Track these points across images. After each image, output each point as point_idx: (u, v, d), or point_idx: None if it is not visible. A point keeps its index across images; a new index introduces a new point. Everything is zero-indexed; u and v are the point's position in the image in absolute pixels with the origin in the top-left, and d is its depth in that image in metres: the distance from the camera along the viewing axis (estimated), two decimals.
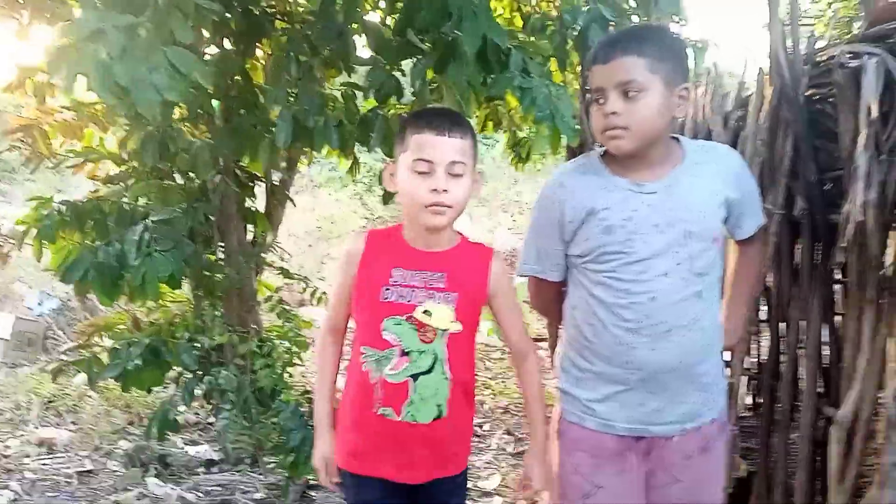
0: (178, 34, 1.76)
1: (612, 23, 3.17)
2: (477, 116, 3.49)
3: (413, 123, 1.43)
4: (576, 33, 3.25)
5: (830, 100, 1.88)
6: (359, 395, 1.47)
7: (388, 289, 1.43)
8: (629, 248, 1.41)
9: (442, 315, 1.43)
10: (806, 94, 1.90)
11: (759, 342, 2.61)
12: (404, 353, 1.43)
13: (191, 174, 2.90)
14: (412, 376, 1.43)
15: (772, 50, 1.87)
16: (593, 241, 1.44)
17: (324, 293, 3.27)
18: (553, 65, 3.16)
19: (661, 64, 1.36)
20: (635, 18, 2.94)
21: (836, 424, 1.83)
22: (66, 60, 1.58)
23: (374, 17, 2.75)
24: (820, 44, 1.93)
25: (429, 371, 1.44)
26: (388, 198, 2.39)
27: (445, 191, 1.37)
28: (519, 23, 3.79)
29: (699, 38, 3.66)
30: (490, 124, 3.53)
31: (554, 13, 3.49)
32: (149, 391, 3.02)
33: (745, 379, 2.41)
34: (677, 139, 1.48)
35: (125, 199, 2.87)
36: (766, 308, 2.25)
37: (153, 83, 1.62)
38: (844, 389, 1.85)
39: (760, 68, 1.98)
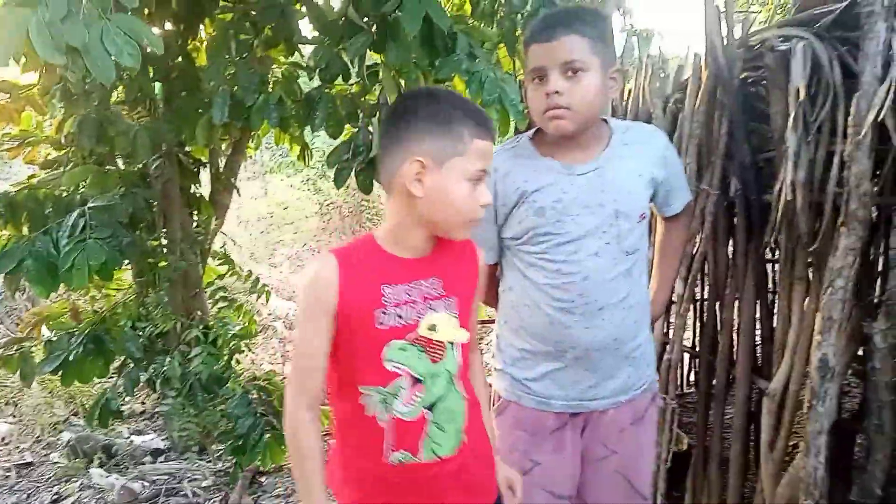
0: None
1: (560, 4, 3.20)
2: None
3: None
4: (523, 19, 3.29)
5: (763, 83, 1.93)
6: (363, 447, 1.22)
7: (383, 311, 1.18)
8: (561, 230, 1.44)
9: (447, 325, 1.23)
10: (740, 77, 1.94)
11: (700, 320, 2.69)
12: (416, 381, 1.20)
13: (129, 159, 2.83)
14: (428, 407, 1.21)
15: (707, 35, 1.91)
16: (526, 223, 1.46)
17: (265, 285, 3.23)
18: (502, 51, 3.18)
19: (599, 45, 1.39)
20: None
21: (768, 397, 1.89)
22: (3, 28, 1.51)
23: None
24: (754, 28, 1.96)
25: (445, 395, 1.23)
26: (340, 181, 2.37)
27: None
28: (468, 8, 3.80)
29: (644, 27, 3.73)
30: None
31: None
32: (91, 380, 2.95)
33: (686, 356, 2.47)
34: (605, 120, 1.51)
35: (62, 186, 2.79)
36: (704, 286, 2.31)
37: (106, 47, 1.55)
38: (776, 364, 1.92)
39: (696, 53, 2.02)
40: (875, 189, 1.61)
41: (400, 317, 1.19)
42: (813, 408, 1.64)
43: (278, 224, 8.73)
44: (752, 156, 1.92)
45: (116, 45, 1.57)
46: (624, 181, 1.45)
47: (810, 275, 1.84)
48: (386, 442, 1.20)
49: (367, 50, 2.09)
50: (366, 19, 2.14)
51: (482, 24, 3.51)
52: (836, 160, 1.64)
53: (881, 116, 1.48)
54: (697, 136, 2.03)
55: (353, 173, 2.30)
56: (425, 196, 1.16)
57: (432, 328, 1.21)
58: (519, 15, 3.28)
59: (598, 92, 1.39)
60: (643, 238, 1.51)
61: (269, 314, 5.23)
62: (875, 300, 1.63)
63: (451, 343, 1.23)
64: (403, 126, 1.17)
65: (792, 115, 1.68)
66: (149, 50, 1.70)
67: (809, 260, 1.81)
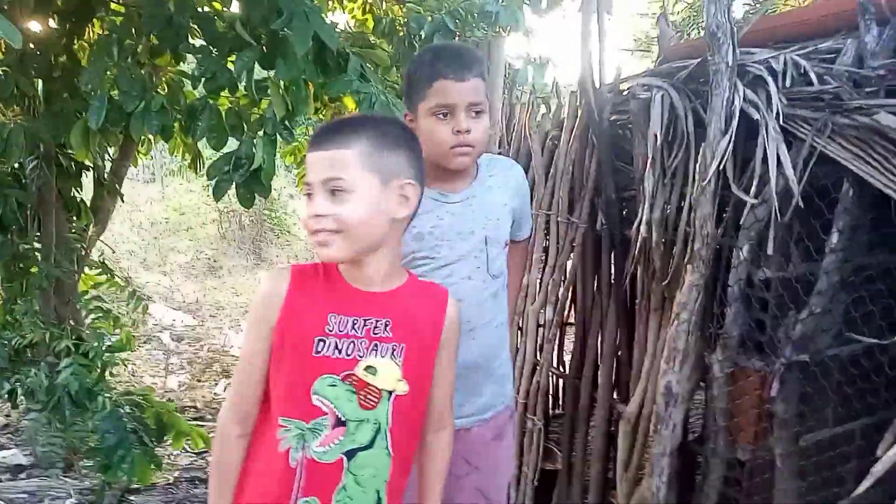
0: None
1: (458, 33, 3.31)
2: (322, 116, 3.50)
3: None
4: (420, 40, 3.38)
5: (630, 126, 2.06)
6: (271, 486, 1.14)
7: (322, 340, 1.12)
8: (437, 254, 1.51)
9: (388, 372, 1.15)
10: (610, 119, 2.08)
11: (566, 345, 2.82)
12: (339, 423, 1.13)
13: (2, 159, 2.69)
14: (346, 453, 1.14)
15: (581, 77, 2.03)
16: (405, 248, 1.52)
17: (141, 297, 3.14)
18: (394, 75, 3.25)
19: (487, 88, 1.50)
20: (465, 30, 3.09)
21: (624, 419, 2.02)
22: None
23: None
24: (625, 73, 2.10)
25: (368, 446, 1.15)
26: (219, 193, 2.34)
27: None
28: (370, 24, 3.86)
29: (539, 55, 3.89)
30: None
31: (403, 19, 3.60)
32: None
33: (554, 379, 2.58)
34: None
35: None
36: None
37: None
38: (633, 389, 2.05)
39: (572, 92, 2.14)
40: (719, 230, 1.76)
41: (338, 350, 1.13)
42: (658, 431, 1.76)
43: (174, 230, 8.45)
44: (618, 193, 2.06)
45: None
46: (491, 210, 1.55)
47: (665, 306, 1.97)
48: (296, 484, 1.12)
49: (255, 64, 2.10)
50: (256, 32, 2.15)
51: (381, 42, 3.59)
52: (686, 203, 1.78)
53: (722, 165, 1.63)
54: (570, 171, 2.14)
55: (233, 186, 2.28)
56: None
57: (370, 370, 1.14)
58: (415, 36, 3.38)
59: (488, 131, 1.50)
60: (505, 263, 1.60)
61: (156, 324, 5.05)
62: (714, 333, 1.77)
63: (389, 392, 1.15)
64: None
65: (649, 159, 1.82)
66: (17, 46, 1.64)
67: (664, 293, 1.95)
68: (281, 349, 1.14)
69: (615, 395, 2.19)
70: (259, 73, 2.34)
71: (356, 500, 1.14)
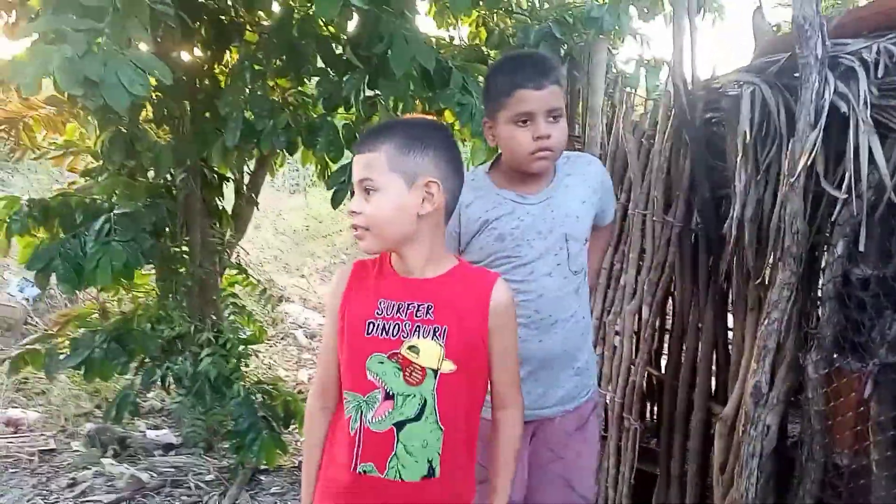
0: (135, 38, 1.94)
1: (563, 41, 3.37)
2: None
3: None
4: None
5: (724, 123, 2.04)
6: (338, 452, 1.30)
7: (372, 322, 1.26)
8: (518, 253, 1.60)
9: (430, 352, 1.25)
10: (705, 116, 2.06)
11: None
12: (388, 397, 1.25)
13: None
14: (396, 424, 1.25)
15: (672, 76, 2.04)
16: (487, 249, 1.62)
17: (272, 295, 3.42)
18: None
19: (564, 93, 1.58)
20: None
21: (720, 421, 1.99)
22: (32, 62, 1.74)
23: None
24: (720, 71, 2.08)
25: (416, 419, 1.25)
26: (336, 202, 2.56)
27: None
28: (483, 35, 4.01)
29: (653, 58, 3.85)
30: None
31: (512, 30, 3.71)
32: (113, 378, 3.18)
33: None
34: None
35: (95, 194, 3.05)
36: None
37: (120, 79, 1.78)
38: (731, 390, 2.01)
39: (666, 91, 2.15)
40: (814, 228, 1.71)
41: (385, 331, 1.25)
42: (746, 432, 1.74)
43: (313, 236, 9.00)
44: (713, 191, 2.04)
45: (129, 77, 1.79)
46: (570, 208, 1.61)
47: (761, 306, 1.93)
48: (355, 451, 1.26)
49: (362, 84, 2.29)
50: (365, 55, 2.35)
51: (495, 54, 3.71)
52: (778, 200, 1.75)
53: (811, 160, 1.59)
54: (664, 171, 2.15)
55: (349, 195, 2.48)
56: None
57: (413, 350, 1.25)
58: (524, 47, 3.46)
59: (566, 133, 1.58)
60: (585, 258, 1.66)
61: (292, 322, 5.45)
62: (808, 332, 1.72)
63: (435, 371, 1.25)
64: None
65: (740, 156, 1.80)
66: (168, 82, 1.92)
67: (759, 293, 1.91)
68: (342, 331, 1.30)
69: (713, 397, 2.16)
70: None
71: (408, 468, 1.25)
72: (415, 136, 1.26)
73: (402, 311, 1.27)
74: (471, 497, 1.36)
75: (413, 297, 1.28)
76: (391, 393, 1.25)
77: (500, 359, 1.33)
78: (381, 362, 1.26)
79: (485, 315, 1.29)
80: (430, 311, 1.26)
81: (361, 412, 1.27)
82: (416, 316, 1.26)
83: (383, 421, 1.25)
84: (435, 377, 1.25)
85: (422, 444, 1.25)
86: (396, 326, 1.26)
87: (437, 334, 1.26)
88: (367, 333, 1.26)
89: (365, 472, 1.26)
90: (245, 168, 3.77)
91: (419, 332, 1.26)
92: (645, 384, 2.34)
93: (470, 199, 1.63)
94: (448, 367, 1.25)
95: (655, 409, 2.60)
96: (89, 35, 1.77)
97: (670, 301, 2.35)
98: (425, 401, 1.25)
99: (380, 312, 1.27)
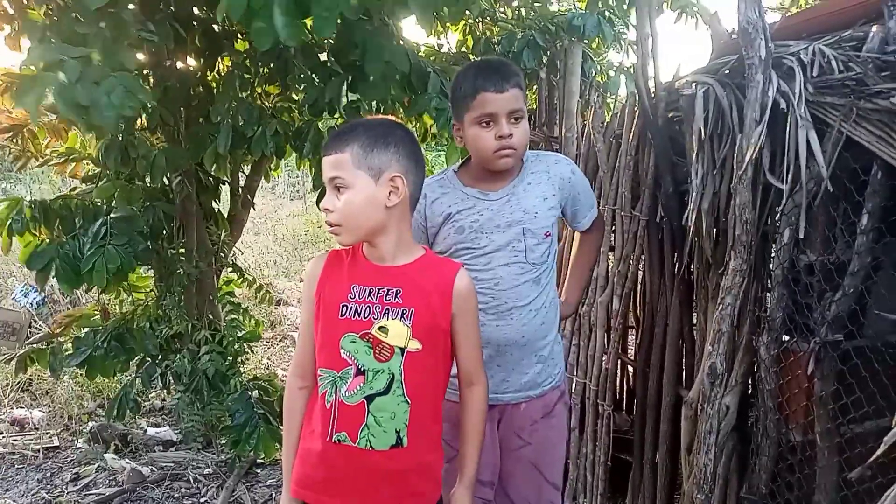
0: (126, 62, 2.08)
1: (545, 49, 3.50)
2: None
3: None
4: (513, 56, 3.59)
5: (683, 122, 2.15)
6: (317, 423, 1.42)
7: (345, 305, 1.39)
8: (477, 245, 1.71)
9: (398, 332, 1.37)
10: (668, 115, 2.17)
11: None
12: (359, 372, 1.38)
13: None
14: (367, 398, 1.37)
15: (634, 77, 2.15)
16: (450, 240, 1.74)
17: (267, 292, 3.54)
18: None
19: (524, 96, 1.70)
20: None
21: (686, 404, 2.09)
22: (32, 90, 1.87)
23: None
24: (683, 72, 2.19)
25: (384, 392, 1.37)
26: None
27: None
28: (471, 43, 4.14)
29: (632, 64, 3.98)
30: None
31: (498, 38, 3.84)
32: (114, 375, 3.30)
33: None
34: None
35: (95, 198, 3.16)
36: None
37: (111, 102, 1.91)
38: (697, 374, 2.12)
39: (630, 93, 2.26)
40: (764, 218, 1.82)
41: (357, 313, 1.38)
42: (703, 410, 1.84)
43: (312, 241, 9.13)
44: (676, 186, 2.14)
45: (120, 98, 1.91)
46: (529, 204, 1.72)
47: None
48: (331, 422, 1.39)
49: (342, 89, 2.41)
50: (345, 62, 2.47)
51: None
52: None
53: (755, 154, 1.70)
54: (631, 167, 2.26)
55: None
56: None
57: (382, 330, 1.37)
58: (508, 53, 3.59)
59: (528, 133, 1.69)
60: (550, 251, 1.77)
61: (290, 324, 5.57)
62: (760, 316, 1.83)
63: (402, 349, 1.37)
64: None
65: (696, 151, 1.91)
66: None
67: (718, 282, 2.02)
68: (318, 314, 1.43)
69: (681, 382, 2.26)
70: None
71: (378, 438, 1.38)
72: (378, 135, 1.38)
73: (373, 295, 1.39)
74: (438, 465, 1.48)
75: (383, 283, 1.40)
76: (362, 369, 1.38)
77: (463, 339, 1.46)
78: (354, 341, 1.38)
79: (448, 299, 1.42)
80: (398, 295, 1.39)
81: (336, 386, 1.39)
82: (386, 300, 1.39)
83: (355, 394, 1.38)
84: (402, 355, 1.38)
85: (390, 415, 1.38)
86: (368, 309, 1.39)
87: (404, 316, 1.38)
88: (341, 315, 1.39)
89: (339, 441, 1.39)
90: (241, 172, 3.89)
91: (388, 314, 1.38)
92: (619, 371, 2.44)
93: (437, 195, 1.76)
94: (414, 345, 1.38)
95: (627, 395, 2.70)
96: (82, 63, 1.90)
97: (640, 291, 2.46)
98: (393, 376, 1.38)
99: (352, 296, 1.39)
